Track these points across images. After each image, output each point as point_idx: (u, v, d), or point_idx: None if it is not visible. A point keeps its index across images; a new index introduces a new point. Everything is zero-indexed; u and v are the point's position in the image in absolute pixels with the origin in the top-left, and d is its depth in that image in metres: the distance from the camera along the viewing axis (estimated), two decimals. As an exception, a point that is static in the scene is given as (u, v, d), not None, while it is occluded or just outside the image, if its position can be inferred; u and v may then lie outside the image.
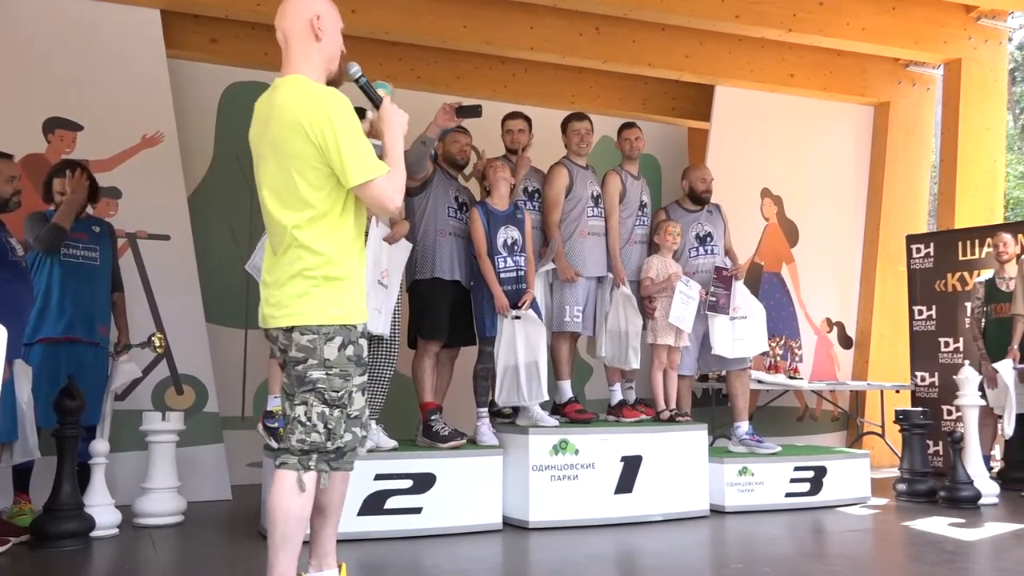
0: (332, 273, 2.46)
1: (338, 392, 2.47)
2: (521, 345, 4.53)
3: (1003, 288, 6.04)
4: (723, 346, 5.31)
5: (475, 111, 3.73)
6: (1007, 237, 6.13)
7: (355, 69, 2.64)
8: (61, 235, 4.34)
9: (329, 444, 2.48)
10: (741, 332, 5.31)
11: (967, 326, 6.55)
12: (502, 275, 4.57)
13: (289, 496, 2.43)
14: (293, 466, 2.46)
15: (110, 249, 4.72)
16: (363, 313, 2.57)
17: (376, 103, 2.59)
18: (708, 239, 5.47)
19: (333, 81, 2.60)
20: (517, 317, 4.54)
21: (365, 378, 2.60)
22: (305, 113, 2.40)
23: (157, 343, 4.61)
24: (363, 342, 2.57)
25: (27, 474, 4.32)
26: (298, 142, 2.41)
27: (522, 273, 4.65)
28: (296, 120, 2.41)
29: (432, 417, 4.52)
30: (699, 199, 5.53)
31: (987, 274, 6.33)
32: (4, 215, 4.14)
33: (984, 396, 5.66)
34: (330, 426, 2.47)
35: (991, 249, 6.30)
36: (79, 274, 4.49)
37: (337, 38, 2.60)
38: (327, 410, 2.46)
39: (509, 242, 4.63)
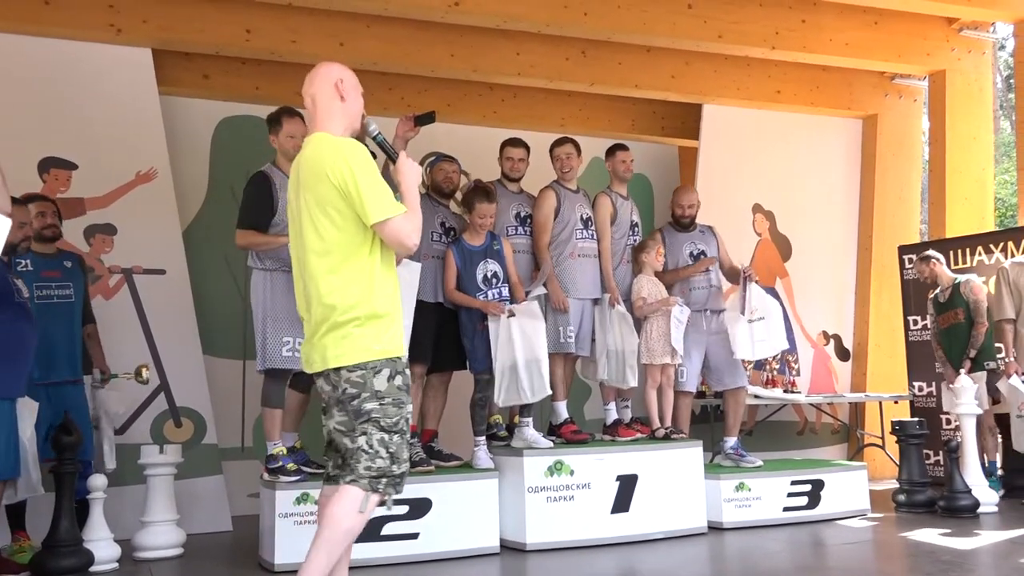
0: (370, 311, 2.63)
1: (393, 419, 2.63)
2: (519, 343, 4.50)
3: (941, 300, 6.24)
4: (744, 349, 5.33)
5: (430, 118, 3.97)
6: (923, 267, 6.31)
7: (373, 127, 2.91)
8: None
9: (395, 468, 2.62)
10: (760, 334, 5.32)
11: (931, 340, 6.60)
12: None
13: (351, 512, 2.55)
14: (364, 486, 2.57)
15: (82, 283, 4.70)
16: (403, 345, 2.75)
17: (393, 158, 2.84)
18: (701, 257, 5.52)
19: (356, 138, 2.84)
20: (512, 314, 4.53)
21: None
22: (328, 161, 2.64)
23: (144, 374, 4.64)
24: (408, 371, 2.74)
25: (22, 511, 4.33)
26: (324, 188, 2.64)
27: (506, 300, 4.69)
28: (321, 169, 2.64)
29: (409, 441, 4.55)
30: (680, 223, 5.60)
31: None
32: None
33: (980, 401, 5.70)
34: (391, 450, 2.62)
35: (922, 265, 6.38)
36: (55, 314, 4.44)
37: (358, 100, 2.85)
38: (386, 436, 2.61)
39: (489, 275, 4.69)
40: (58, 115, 5.51)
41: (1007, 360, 5.82)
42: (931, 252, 6.37)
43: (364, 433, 2.59)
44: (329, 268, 2.64)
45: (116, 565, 4.30)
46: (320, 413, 2.82)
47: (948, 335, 6.20)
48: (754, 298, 5.33)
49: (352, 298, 2.61)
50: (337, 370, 2.62)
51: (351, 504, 2.55)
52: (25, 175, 5.33)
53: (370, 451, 2.58)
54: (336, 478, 2.67)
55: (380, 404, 2.60)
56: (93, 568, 4.11)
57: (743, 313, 5.27)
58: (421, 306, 4.59)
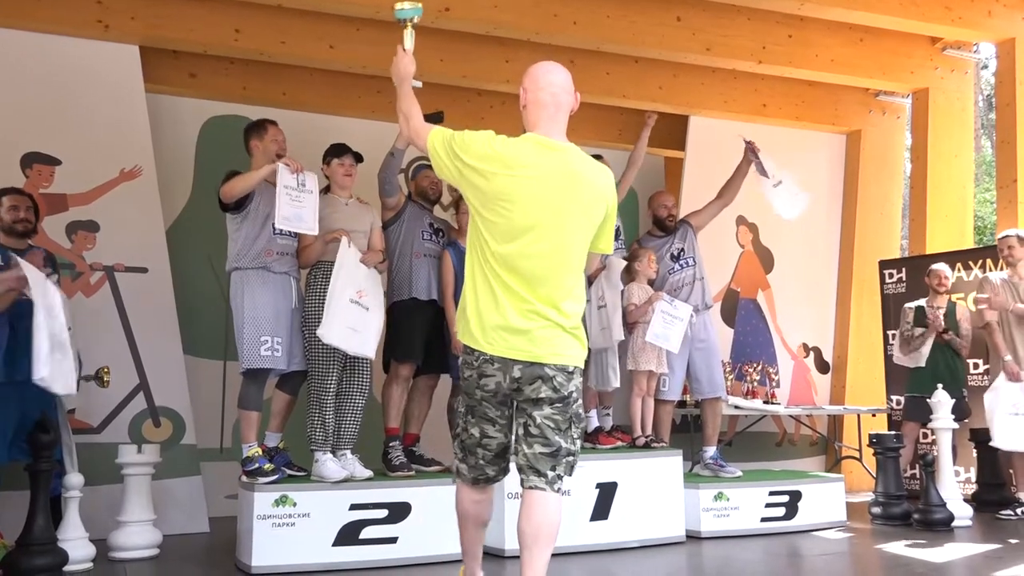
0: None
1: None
2: None
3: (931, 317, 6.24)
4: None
5: (438, 117, 3.99)
6: (945, 271, 6.30)
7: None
8: None
9: None
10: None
11: (895, 348, 6.60)
12: None
13: (560, 515, 2.76)
14: (562, 487, 2.75)
15: (53, 280, 4.52)
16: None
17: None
18: (682, 254, 5.60)
19: None
20: None
21: None
22: (610, 191, 3.02)
23: (105, 377, 4.58)
24: None
25: None
26: (597, 213, 2.96)
27: None
28: (602, 194, 2.99)
29: (390, 444, 4.56)
30: (664, 225, 5.64)
31: (921, 300, 6.43)
32: None
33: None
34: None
35: (927, 279, 6.41)
36: (21, 311, 4.26)
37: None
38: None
39: None
40: (43, 110, 5.46)
41: (1004, 360, 5.83)
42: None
43: (578, 437, 2.80)
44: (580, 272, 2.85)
45: (91, 565, 4.26)
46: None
47: (932, 350, 6.20)
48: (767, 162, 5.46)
49: (581, 306, 2.82)
50: (570, 372, 2.73)
51: (560, 509, 2.74)
52: (7, 170, 5.29)
53: (578, 452, 2.81)
54: (492, 479, 2.88)
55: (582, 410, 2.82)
56: (67, 568, 4.06)
57: (767, 176, 5.45)
58: (416, 304, 4.61)
